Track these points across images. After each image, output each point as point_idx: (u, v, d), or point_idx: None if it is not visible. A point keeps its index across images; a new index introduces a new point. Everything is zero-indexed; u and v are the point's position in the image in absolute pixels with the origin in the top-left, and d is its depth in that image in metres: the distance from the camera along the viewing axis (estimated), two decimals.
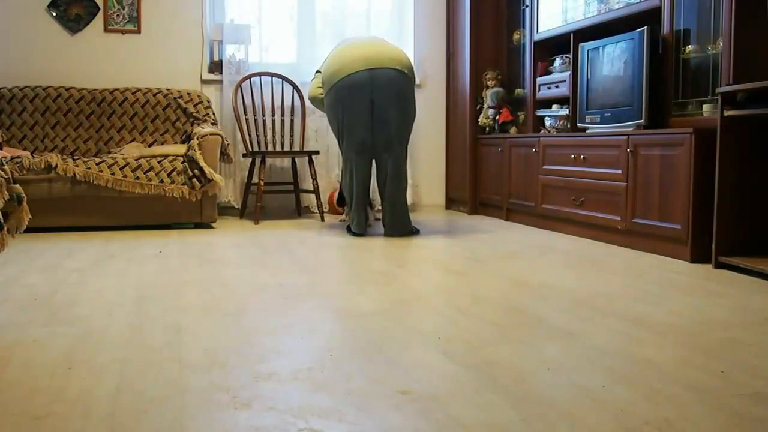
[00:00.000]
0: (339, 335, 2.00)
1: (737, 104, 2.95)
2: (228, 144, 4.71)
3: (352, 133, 3.90)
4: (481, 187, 5.25)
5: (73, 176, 4.17)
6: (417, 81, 5.61)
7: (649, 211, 3.42)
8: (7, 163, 4.04)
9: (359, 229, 4.02)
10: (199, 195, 4.36)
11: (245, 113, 5.12)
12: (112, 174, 4.22)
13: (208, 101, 5.01)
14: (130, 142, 4.80)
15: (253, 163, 4.94)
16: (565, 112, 4.40)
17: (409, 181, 5.52)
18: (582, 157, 3.96)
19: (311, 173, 4.84)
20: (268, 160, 5.30)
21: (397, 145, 3.92)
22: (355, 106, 3.83)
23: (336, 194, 5.20)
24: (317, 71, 4.26)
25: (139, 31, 5.12)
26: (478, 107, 5.25)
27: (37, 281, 2.76)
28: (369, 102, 3.82)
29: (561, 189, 4.18)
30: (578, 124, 4.14)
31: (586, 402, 1.49)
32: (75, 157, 4.28)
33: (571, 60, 4.26)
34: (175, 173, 4.32)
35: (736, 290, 2.62)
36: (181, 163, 4.36)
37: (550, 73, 4.61)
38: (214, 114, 4.97)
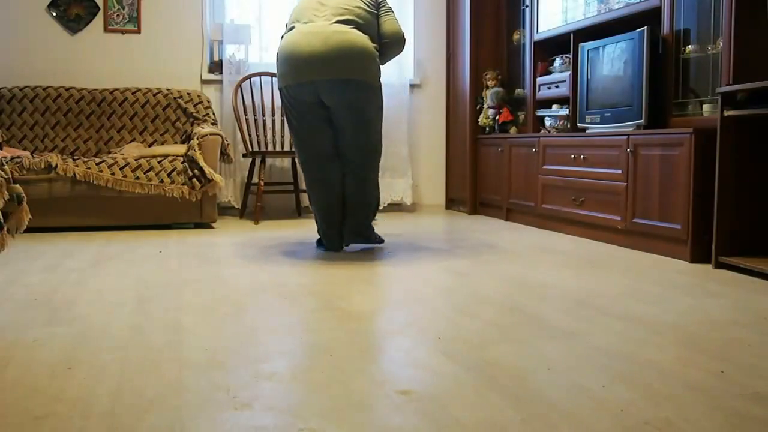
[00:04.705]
0: (339, 335, 2.00)
1: (737, 104, 2.95)
2: (228, 144, 4.71)
3: (306, 144, 3.37)
4: (481, 187, 5.25)
5: (73, 176, 4.17)
6: (417, 81, 5.62)
7: (649, 211, 3.42)
8: (7, 163, 4.04)
9: (331, 246, 3.49)
10: (199, 195, 4.36)
11: (245, 113, 5.12)
12: (112, 174, 4.22)
13: (208, 101, 5.01)
14: (130, 142, 4.80)
15: (253, 163, 4.94)
16: (565, 112, 4.40)
17: (410, 181, 5.52)
18: (582, 157, 3.96)
19: None
20: (268, 160, 5.31)
21: (360, 155, 3.36)
22: (306, 116, 3.31)
23: None
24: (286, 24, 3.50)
25: (139, 31, 5.12)
26: (478, 107, 5.25)
27: (37, 281, 2.76)
28: (321, 106, 3.28)
29: (561, 189, 4.18)
30: (578, 124, 4.14)
31: (586, 402, 1.49)
32: (75, 157, 4.28)
33: (571, 60, 4.26)
34: (175, 173, 4.32)
35: (736, 290, 2.62)
36: (181, 163, 4.36)
37: (550, 73, 4.61)
38: (214, 114, 4.97)
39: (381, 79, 3.34)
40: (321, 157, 3.37)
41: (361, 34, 3.25)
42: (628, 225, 3.57)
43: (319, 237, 3.59)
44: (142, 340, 1.95)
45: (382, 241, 3.67)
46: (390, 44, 3.38)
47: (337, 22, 3.24)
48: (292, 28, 3.35)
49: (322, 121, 3.32)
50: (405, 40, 3.45)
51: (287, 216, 5.18)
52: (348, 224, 3.46)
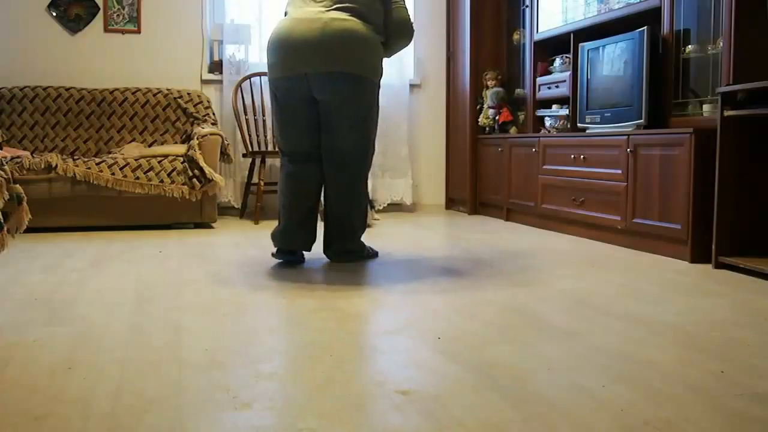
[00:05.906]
0: (339, 335, 2.00)
1: (737, 104, 2.95)
2: (228, 144, 4.71)
3: (289, 141, 3.07)
4: (481, 187, 5.25)
5: (73, 176, 4.17)
6: (417, 81, 5.62)
7: (649, 211, 3.42)
8: (7, 163, 4.04)
9: (289, 244, 3.10)
10: (199, 195, 4.36)
11: (245, 113, 5.12)
12: (112, 174, 4.22)
13: (208, 101, 5.01)
14: (130, 142, 4.80)
15: (253, 163, 4.94)
16: (565, 112, 4.40)
17: (410, 181, 5.52)
18: (582, 157, 3.96)
19: None
20: (268, 160, 5.30)
21: (348, 158, 3.04)
22: (293, 113, 3.01)
23: None
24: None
25: (139, 31, 5.12)
26: (478, 107, 5.25)
27: (37, 281, 2.76)
28: (311, 103, 2.99)
29: (561, 189, 4.18)
30: (578, 124, 4.14)
31: (586, 402, 1.49)
32: (75, 157, 4.28)
33: (571, 60, 4.26)
34: (175, 173, 4.32)
35: (736, 290, 2.62)
36: (181, 163, 4.36)
37: (550, 73, 4.61)
38: (214, 114, 4.97)
39: (381, 77, 3.05)
40: (303, 155, 3.07)
41: (363, 23, 2.92)
42: (628, 225, 3.57)
43: (274, 250, 3.16)
44: (142, 340, 1.95)
45: (376, 254, 3.32)
46: (396, 34, 3.06)
47: (337, 9, 2.92)
48: (287, 13, 3.06)
49: (311, 121, 3.02)
50: (413, 30, 3.11)
51: None
52: (335, 246, 3.13)
